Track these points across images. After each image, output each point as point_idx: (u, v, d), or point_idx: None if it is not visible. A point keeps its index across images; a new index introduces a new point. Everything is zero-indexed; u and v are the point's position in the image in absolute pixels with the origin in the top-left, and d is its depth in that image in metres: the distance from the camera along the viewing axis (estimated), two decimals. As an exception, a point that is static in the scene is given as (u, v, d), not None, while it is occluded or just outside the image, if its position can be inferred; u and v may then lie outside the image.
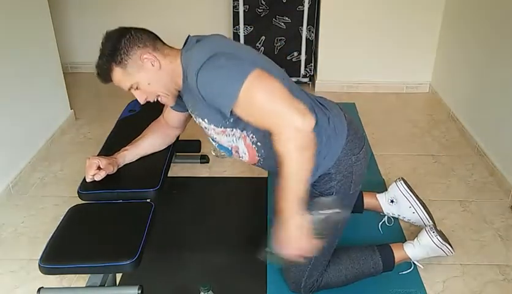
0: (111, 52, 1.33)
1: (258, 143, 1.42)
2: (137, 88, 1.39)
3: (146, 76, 1.36)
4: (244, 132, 1.40)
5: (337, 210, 1.36)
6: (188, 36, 1.40)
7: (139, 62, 1.34)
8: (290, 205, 1.25)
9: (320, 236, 1.31)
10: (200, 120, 1.44)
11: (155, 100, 1.45)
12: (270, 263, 1.38)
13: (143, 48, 1.35)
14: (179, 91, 1.44)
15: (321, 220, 1.32)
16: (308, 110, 1.26)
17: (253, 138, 1.41)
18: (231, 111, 1.27)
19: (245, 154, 1.47)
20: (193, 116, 1.51)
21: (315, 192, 1.47)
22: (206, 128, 1.45)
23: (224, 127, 1.39)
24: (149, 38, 1.37)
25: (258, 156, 1.47)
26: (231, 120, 1.36)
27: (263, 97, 1.22)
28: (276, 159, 1.35)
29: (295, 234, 1.27)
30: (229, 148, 1.48)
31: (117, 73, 1.36)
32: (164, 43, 1.42)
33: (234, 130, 1.40)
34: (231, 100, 1.22)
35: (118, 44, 1.33)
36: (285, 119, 1.20)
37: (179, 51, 1.39)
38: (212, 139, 1.51)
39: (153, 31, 1.43)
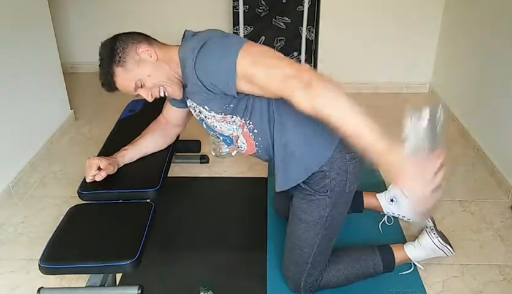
0: (109, 54, 1.39)
1: (255, 130, 1.44)
2: (141, 86, 1.41)
3: (145, 69, 1.39)
4: (243, 119, 1.42)
5: (437, 108, 1.06)
6: (185, 31, 1.44)
7: (137, 57, 1.38)
8: (375, 144, 1.09)
9: (438, 146, 1.06)
10: (201, 108, 1.44)
11: (162, 95, 1.45)
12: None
13: (137, 43, 1.40)
14: (181, 82, 1.45)
15: (425, 131, 1.06)
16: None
17: (250, 124, 1.42)
18: (236, 91, 1.28)
19: (243, 143, 1.50)
20: (191, 107, 1.51)
21: (310, 190, 1.48)
22: (206, 117, 1.45)
23: (224, 114, 1.40)
24: (140, 36, 1.43)
25: (255, 145, 1.48)
26: (231, 106, 1.37)
27: (258, 59, 1.23)
28: (272, 148, 1.41)
29: (411, 168, 1.05)
30: (231, 136, 1.50)
31: (119, 75, 1.39)
32: (158, 42, 1.46)
33: (234, 117, 1.41)
34: (230, 74, 1.24)
35: (114, 45, 1.39)
36: (287, 69, 1.18)
37: (175, 46, 1.43)
38: (213, 129, 1.51)
39: (152, 31, 1.46)
